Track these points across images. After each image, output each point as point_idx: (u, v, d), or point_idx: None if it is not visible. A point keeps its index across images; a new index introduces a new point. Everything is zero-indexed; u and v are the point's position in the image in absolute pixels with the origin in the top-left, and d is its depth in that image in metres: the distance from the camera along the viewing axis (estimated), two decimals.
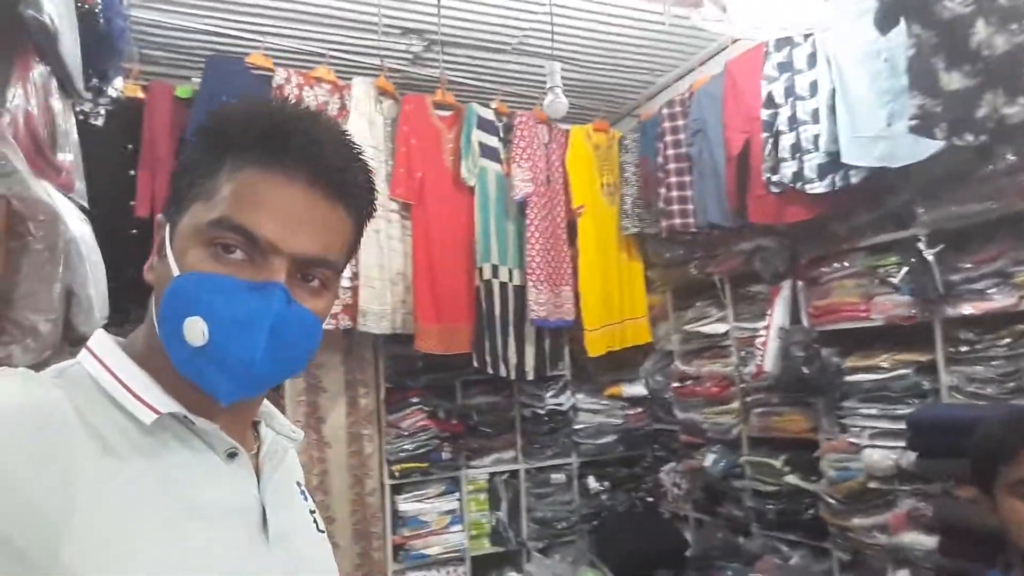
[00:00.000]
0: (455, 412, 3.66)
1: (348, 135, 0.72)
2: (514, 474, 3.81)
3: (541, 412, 3.83)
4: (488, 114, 3.66)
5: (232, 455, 0.70)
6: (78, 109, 2.87)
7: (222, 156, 0.66)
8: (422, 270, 3.38)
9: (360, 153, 0.72)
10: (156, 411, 0.64)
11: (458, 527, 3.61)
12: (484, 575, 3.62)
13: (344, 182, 0.69)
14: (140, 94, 3.05)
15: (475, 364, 3.47)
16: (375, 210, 0.77)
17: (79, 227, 1.41)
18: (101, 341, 0.69)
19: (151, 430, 0.64)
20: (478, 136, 3.59)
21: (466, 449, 3.70)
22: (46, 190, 1.39)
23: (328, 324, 3.13)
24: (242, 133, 0.66)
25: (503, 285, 3.59)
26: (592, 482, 3.91)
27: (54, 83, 1.48)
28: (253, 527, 0.69)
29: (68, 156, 1.52)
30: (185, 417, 0.66)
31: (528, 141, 3.70)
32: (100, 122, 2.83)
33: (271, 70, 3.21)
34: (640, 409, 4.05)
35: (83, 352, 0.68)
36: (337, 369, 3.41)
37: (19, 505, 0.54)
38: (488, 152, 3.63)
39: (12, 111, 1.33)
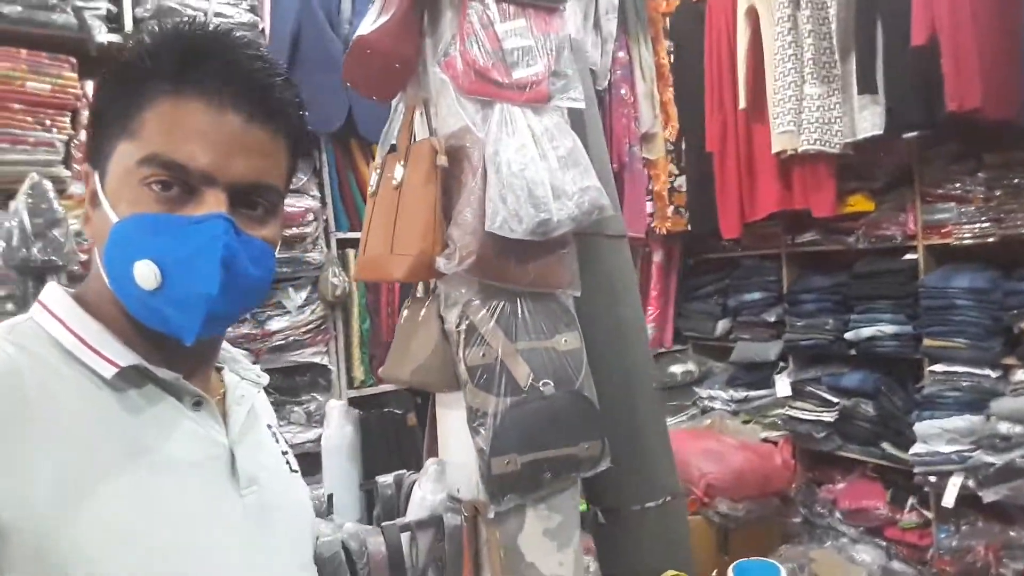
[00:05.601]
0: None
1: (265, 52, 0.68)
2: None
3: None
4: None
5: (198, 403, 0.69)
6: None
7: (138, 90, 0.64)
8: None
9: (280, 70, 0.68)
10: (115, 365, 0.63)
11: None
12: None
13: (268, 101, 0.66)
14: None
15: None
16: (307, 126, 0.72)
17: (507, 143, 1.52)
18: (53, 294, 0.67)
19: (111, 384, 0.63)
20: None
21: None
22: (490, 116, 1.57)
23: None
24: (155, 63, 0.64)
25: None
26: None
27: (494, 10, 1.61)
28: (222, 473, 0.69)
29: (533, 69, 1.63)
30: (146, 369, 0.65)
31: None
32: None
33: None
34: None
35: (35, 306, 0.67)
36: None
37: None
38: None
39: (449, 57, 1.55)
